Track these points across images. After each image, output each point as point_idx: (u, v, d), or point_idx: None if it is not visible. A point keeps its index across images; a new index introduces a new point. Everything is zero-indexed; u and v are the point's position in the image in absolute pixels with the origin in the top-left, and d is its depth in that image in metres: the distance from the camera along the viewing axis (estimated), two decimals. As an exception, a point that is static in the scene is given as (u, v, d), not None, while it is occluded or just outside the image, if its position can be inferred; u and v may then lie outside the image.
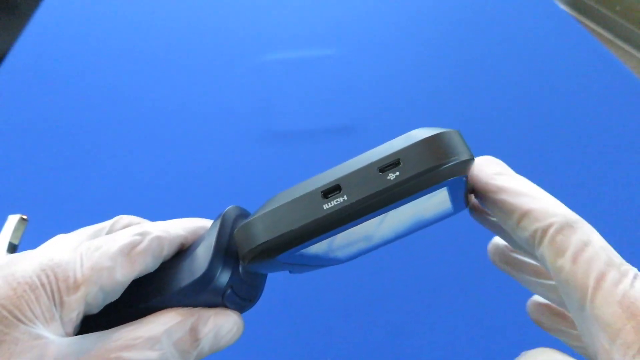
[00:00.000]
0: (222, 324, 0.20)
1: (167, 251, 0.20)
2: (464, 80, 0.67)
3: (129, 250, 0.19)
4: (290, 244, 0.17)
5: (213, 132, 0.59)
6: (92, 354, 0.17)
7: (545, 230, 0.17)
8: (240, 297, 0.20)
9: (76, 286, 0.18)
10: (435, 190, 0.17)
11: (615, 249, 0.16)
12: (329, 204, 0.17)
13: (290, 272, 0.22)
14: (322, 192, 0.17)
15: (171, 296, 0.19)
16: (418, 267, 0.44)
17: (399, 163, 0.16)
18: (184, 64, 0.70)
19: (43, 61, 0.70)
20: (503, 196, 0.18)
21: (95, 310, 0.19)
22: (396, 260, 0.45)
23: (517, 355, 0.17)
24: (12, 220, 0.26)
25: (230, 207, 0.21)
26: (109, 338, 0.18)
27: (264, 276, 0.23)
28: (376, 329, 0.40)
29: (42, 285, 0.17)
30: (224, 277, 0.19)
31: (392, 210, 0.17)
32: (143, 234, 0.20)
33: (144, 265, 0.19)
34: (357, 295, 0.42)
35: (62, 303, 0.18)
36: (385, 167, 0.16)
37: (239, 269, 0.20)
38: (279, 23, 0.78)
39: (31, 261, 0.18)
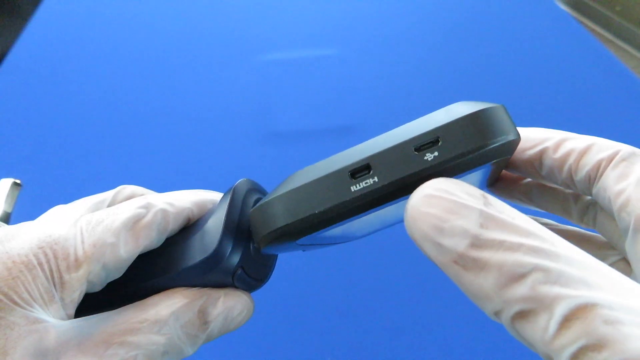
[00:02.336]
0: (232, 306, 0.18)
1: (173, 225, 0.19)
2: (464, 80, 0.67)
3: (132, 224, 0.18)
4: (313, 228, 0.15)
5: (213, 132, 0.59)
6: (95, 339, 0.16)
7: (610, 159, 0.16)
8: (251, 277, 0.19)
9: (77, 264, 0.16)
10: (475, 172, 0.15)
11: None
12: (357, 185, 0.15)
13: (303, 250, 0.20)
14: (349, 171, 0.15)
15: (178, 275, 0.18)
16: (418, 266, 0.44)
17: (438, 142, 0.14)
18: (184, 63, 0.70)
19: (43, 61, 0.70)
20: (552, 142, 0.17)
21: (97, 289, 0.18)
22: (396, 259, 0.45)
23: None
24: (4, 184, 0.23)
25: (241, 180, 0.20)
26: (112, 321, 0.17)
27: (275, 255, 0.21)
28: (376, 329, 0.40)
29: (40, 264, 0.16)
30: (234, 256, 0.18)
31: None
32: (147, 207, 0.18)
33: (148, 240, 0.18)
34: (356, 295, 0.42)
35: (62, 283, 0.16)
36: (423, 145, 0.14)
37: (250, 247, 0.19)
38: (279, 23, 0.78)
39: (27, 237, 0.17)
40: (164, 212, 0.18)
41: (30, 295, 0.16)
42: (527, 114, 0.61)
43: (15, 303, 0.15)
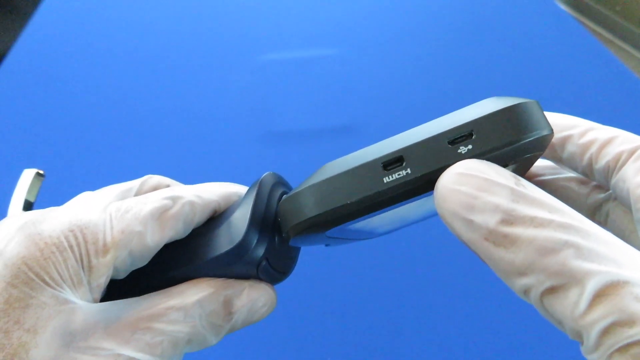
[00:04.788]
0: (256, 298, 0.19)
1: (199, 217, 0.19)
2: (465, 80, 0.67)
3: (159, 214, 0.18)
4: (344, 219, 0.15)
5: (213, 132, 0.59)
6: (121, 323, 0.16)
7: (632, 152, 0.16)
8: (275, 270, 0.19)
9: (105, 250, 0.17)
10: (507, 168, 0.15)
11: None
12: (390, 177, 0.15)
13: (326, 245, 0.20)
14: (382, 163, 0.15)
15: (203, 265, 0.18)
16: (418, 266, 0.44)
17: (472, 135, 0.14)
18: (184, 64, 0.70)
19: (43, 61, 0.70)
20: (578, 130, 0.18)
21: (122, 276, 0.18)
22: (396, 259, 0.45)
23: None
24: (28, 175, 0.24)
25: (267, 173, 0.20)
26: (138, 306, 0.17)
27: (299, 248, 0.21)
28: (376, 330, 0.40)
29: (70, 246, 0.16)
30: (260, 247, 0.18)
31: None
32: (174, 198, 0.18)
33: (174, 231, 0.18)
34: (356, 295, 0.42)
35: (90, 267, 0.16)
36: (456, 139, 0.14)
37: (275, 240, 0.19)
38: (279, 23, 0.78)
39: (59, 220, 0.17)
40: (191, 203, 0.19)
41: (61, 277, 0.16)
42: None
43: (47, 283, 0.16)
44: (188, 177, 0.57)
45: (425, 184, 0.15)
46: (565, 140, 0.18)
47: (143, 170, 0.57)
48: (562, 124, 0.18)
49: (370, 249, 0.45)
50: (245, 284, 0.19)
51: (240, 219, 0.18)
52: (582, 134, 0.18)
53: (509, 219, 0.12)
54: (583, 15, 2.18)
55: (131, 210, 0.18)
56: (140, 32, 0.76)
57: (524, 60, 0.70)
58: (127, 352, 0.16)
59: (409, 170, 0.15)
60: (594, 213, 0.19)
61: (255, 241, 0.18)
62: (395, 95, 0.64)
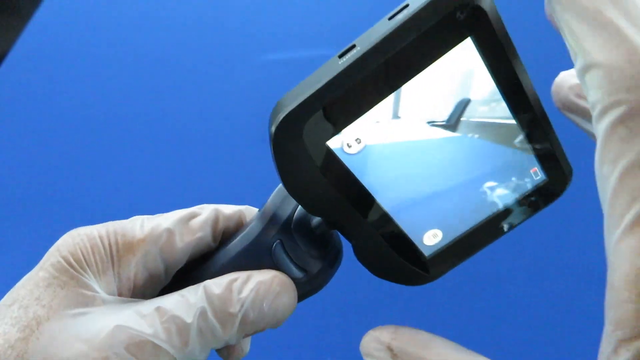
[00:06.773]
0: (264, 281, 0.18)
1: (226, 223, 0.21)
2: (464, 80, 0.67)
3: (188, 219, 0.20)
4: (313, 105, 0.17)
5: (213, 132, 0.59)
6: (133, 307, 0.17)
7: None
8: (292, 260, 0.20)
9: (135, 243, 0.18)
10: (457, 42, 0.16)
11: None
12: (344, 59, 0.17)
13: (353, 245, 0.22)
14: (338, 55, 0.17)
15: (219, 259, 0.20)
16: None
17: (407, 6, 0.16)
18: (184, 63, 0.70)
19: (43, 61, 0.70)
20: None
21: (162, 280, 0.19)
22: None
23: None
24: None
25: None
26: (149, 300, 0.18)
27: (325, 248, 0.22)
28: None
29: (100, 237, 0.18)
30: (271, 229, 0.19)
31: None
32: (201, 207, 0.21)
33: (202, 232, 0.20)
34: (357, 295, 0.42)
35: (119, 258, 0.18)
36: (395, 14, 0.16)
37: (290, 225, 0.20)
38: (279, 23, 0.78)
39: (97, 224, 0.19)
40: (216, 209, 0.21)
41: (86, 262, 0.17)
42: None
43: (71, 265, 0.17)
44: (188, 177, 0.57)
45: (374, 56, 0.16)
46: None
47: (142, 170, 0.57)
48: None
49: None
50: (255, 270, 0.19)
51: (255, 216, 0.20)
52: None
53: None
54: (583, 15, 2.18)
55: (162, 215, 0.20)
56: (140, 32, 0.76)
57: (523, 60, 0.70)
58: (133, 326, 0.16)
59: (359, 49, 0.17)
60: None
61: (265, 222, 0.19)
62: (396, 95, 0.64)
